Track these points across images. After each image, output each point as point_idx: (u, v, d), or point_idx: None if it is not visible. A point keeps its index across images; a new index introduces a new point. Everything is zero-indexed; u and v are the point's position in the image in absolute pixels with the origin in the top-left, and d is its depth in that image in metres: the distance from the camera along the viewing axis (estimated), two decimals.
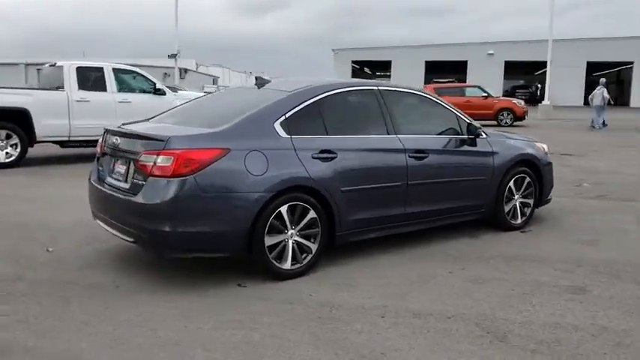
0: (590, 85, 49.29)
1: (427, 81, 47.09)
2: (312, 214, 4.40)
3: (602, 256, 5.11)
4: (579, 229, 6.11)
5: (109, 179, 4.58)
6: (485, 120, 22.84)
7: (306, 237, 4.42)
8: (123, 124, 4.93)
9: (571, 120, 27.09)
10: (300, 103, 4.57)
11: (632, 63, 46.77)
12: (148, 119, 5.19)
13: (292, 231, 4.34)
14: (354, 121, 4.99)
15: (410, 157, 5.01)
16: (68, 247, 5.19)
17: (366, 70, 62.48)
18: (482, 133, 5.64)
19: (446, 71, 47.99)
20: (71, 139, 10.96)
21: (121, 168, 4.45)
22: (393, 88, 5.36)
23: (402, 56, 49.78)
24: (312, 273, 4.49)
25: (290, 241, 4.34)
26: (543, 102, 29.57)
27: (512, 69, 49.65)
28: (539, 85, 49.03)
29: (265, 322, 3.61)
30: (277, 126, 4.39)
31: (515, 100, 24.49)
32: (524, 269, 4.71)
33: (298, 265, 4.40)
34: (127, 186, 4.29)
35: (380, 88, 5.17)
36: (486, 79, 38.12)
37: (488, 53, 48.12)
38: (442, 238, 5.55)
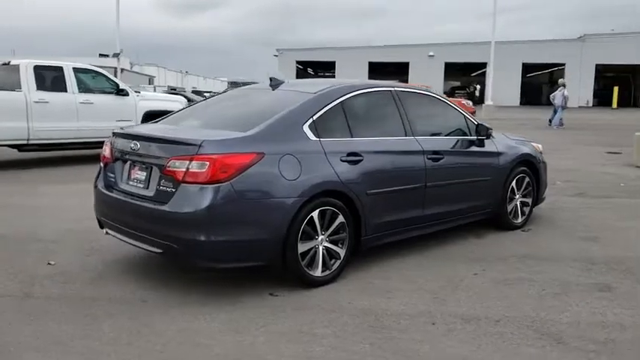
0: (525, 86, 51.47)
1: None
2: (340, 218, 4.29)
3: (607, 252, 5.24)
4: (574, 226, 6.27)
5: (123, 186, 4.31)
6: None
7: (335, 242, 4.31)
8: (124, 128, 4.67)
9: (514, 119, 28.04)
10: (326, 105, 4.46)
11: (564, 64, 48.99)
12: (155, 121, 4.92)
13: (322, 236, 4.22)
14: (375, 122, 4.91)
15: (428, 158, 4.99)
16: (69, 260, 4.84)
17: (310, 70, 62.60)
18: (493, 134, 5.69)
19: (388, 72, 48.72)
20: (30, 142, 10.33)
21: (139, 174, 4.19)
22: (407, 89, 5.33)
23: (346, 57, 50.18)
24: (338, 279, 4.38)
25: (320, 247, 4.22)
26: (486, 102, 30.50)
27: (452, 70, 51.01)
28: (477, 86, 50.64)
29: (318, 333, 3.47)
30: (306, 129, 4.26)
31: (464, 101, 25.18)
32: (542, 268, 4.76)
33: (328, 272, 4.28)
34: (150, 193, 4.04)
35: (396, 88, 5.13)
36: (427, 80, 38.93)
37: (429, 55, 49.24)
38: (451, 239, 5.55)
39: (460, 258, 5.05)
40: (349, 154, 4.39)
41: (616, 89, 45.48)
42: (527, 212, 6.21)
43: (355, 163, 4.40)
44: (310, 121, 4.30)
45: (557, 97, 22.33)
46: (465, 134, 5.54)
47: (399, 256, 4.99)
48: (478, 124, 5.61)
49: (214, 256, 3.86)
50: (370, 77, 49.13)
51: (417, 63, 49.05)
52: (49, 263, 4.75)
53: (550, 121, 22.70)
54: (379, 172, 4.59)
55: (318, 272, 4.21)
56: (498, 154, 5.76)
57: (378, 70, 49.80)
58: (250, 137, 3.98)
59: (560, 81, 23.43)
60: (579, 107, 46.30)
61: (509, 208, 5.96)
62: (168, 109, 11.95)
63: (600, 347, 3.33)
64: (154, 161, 4.05)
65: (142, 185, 4.15)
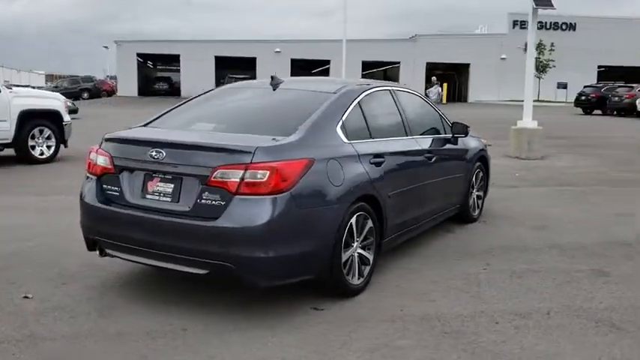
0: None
1: (218, 77, 46.92)
2: (369, 222, 4.16)
3: (568, 239, 5.72)
4: (516, 216, 6.74)
5: (137, 201, 3.74)
6: None
7: (364, 248, 4.18)
8: (130, 133, 4.10)
9: None
10: (350, 105, 4.28)
11: (399, 62, 52.51)
12: (147, 124, 4.34)
13: (357, 243, 4.06)
14: (384, 122, 4.82)
15: (425, 157, 5.04)
16: (46, 290, 4.10)
17: (149, 63, 59.73)
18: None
19: (235, 67, 48.27)
20: None
21: (163, 186, 3.67)
22: (401, 89, 5.33)
23: (192, 50, 48.67)
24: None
25: (355, 254, 4.06)
26: None
27: (298, 66, 52.00)
28: None
29: (402, 345, 3.34)
30: (339, 131, 4.06)
31: None
32: (532, 258, 5.06)
33: (362, 279, 4.14)
34: (184, 208, 3.56)
35: (393, 88, 5.10)
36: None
37: (276, 51, 49.63)
38: (425, 236, 5.57)
39: (453, 254, 5.16)
40: (375, 156, 4.27)
41: (445, 86, 49.84)
42: (480, 205, 6.56)
43: (379, 165, 4.29)
44: (340, 122, 4.10)
45: (432, 93, 24.42)
46: (444, 132, 5.69)
47: (394, 258, 4.94)
48: (453, 122, 5.78)
49: (273, 273, 3.52)
50: (218, 72, 48.34)
51: (264, 58, 49.17)
52: (25, 296, 3.98)
53: None
54: (396, 173, 4.54)
55: (355, 280, 4.05)
56: (466, 150, 6.01)
57: (225, 64, 49.08)
58: (298, 142, 3.69)
59: (433, 79, 25.49)
60: None
61: (470, 202, 6.25)
62: (49, 108, 10.70)
63: None
64: (190, 171, 3.58)
65: (168, 199, 3.64)
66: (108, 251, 3.90)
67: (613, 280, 4.52)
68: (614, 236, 5.87)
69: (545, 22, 53.98)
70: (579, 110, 34.41)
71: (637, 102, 29.45)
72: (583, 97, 34.28)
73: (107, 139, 4.00)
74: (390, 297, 4.08)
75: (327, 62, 50.59)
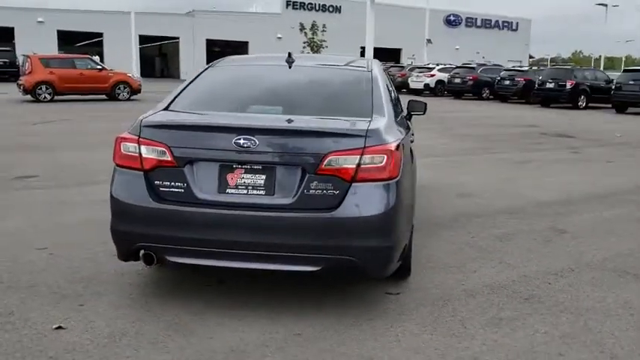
0: (143, 58, 51.38)
1: None
2: None
3: (503, 205, 6.43)
4: (439, 187, 7.31)
5: (213, 197, 3.21)
6: (101, 94, 21.74)
7: None
8: (201, 117, 3.52)
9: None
10: (386, 83, 4.18)
11: (178, 38, 50.85)
12: (166, 109, 3.69)
13: None
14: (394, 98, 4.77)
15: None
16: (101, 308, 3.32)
17: None
18: None
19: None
20: None
21: (253, 178, 3.21)
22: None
23: None
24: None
25: None
26: (133, 73, 29.48)
27: (64, 39, 46.96)
28: (96, 57, 48.04)
29: (509, 316, 3.49)
30: (391, 110, 3.95)
31: (129, 74, 23.88)
32: (499, 222, 5.60)
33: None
34: (285, 200, 3.17)
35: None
36: (39, 49, 34.96)
37: (38, 21, 44.08)
38: None
39: (431, 227, 5.44)
40: (410, 134, 4.28)
41: None
42: None
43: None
44: (390, 101, 4.01)
45: None
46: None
47: None
48: (410, 100, 5.96)
49: (392, 262, 3.34)
50: None
51: (24, 29, 43.29)
52: (59, 327, 3.18)
53: None
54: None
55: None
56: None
57: None
58: (389, 124, 3.52)
59: None
60: None
61: None
62: None
63: None
64: (288, 160, 3.19)
65: (260, 192, 3.20)
66: (169, 258, 3.29)
67: (573, 236, 5.23)
68: (525, 199, 6.72)
69: (315, 4, 57.28)
70: None
71: (409, 80, 33.16)
72: None
73: (152, 126, 3.34)
74: (437, 274, 4.17)
75: (100, 35, 46.74)
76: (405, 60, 54.90)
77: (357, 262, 3.18)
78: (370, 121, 3.40)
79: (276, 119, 3.45)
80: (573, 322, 3.41)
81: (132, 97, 22.41)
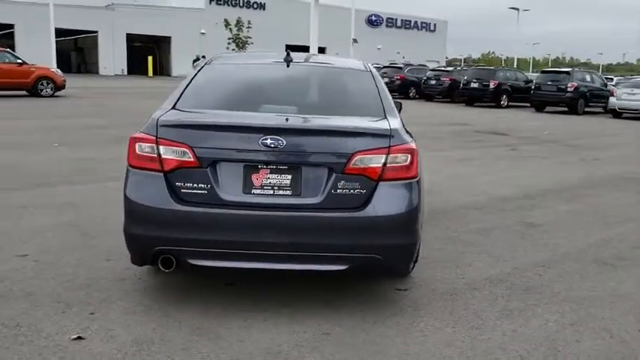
0: (58, 52, 48.94)
1: None
2: None
3: (460, 200, 6.70)
4: None
5: (242, 197, 3.17)
6: (21, 90, 20.52)
7: None
8: (228, 118, 3.41)
9: (115, 87, 26.96)
10: (383, 83, 4.25)
11: (96, 32, 48.83)
12: (174, 108, 3.57)
13: None
14: None
15: None
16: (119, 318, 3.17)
17: None
18: None
19: None
20: None
21: (278, 178, 3.18)
22: None
23: None
24: None
25: None
26: (53, 67, 28.01)
27: None
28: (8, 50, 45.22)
29: (517, 307, 3.66)
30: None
31: (53, 69, 22.65)
32: (470, 219, 5.83)
33: None
34: (312, 200, 3.17)
35: None
36: None
37: None
38: None
39: None
40: None
41: (150, 58, 48.39)
42: None
43: None
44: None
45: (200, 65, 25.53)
46: None
47: None
48: None
49: (413, 259, 3.42)
50: None
51: None
52: (78, 337, 3.02)
53: None
54: None
55: None
56: None
57: None
58: (402, 124, 3.60)
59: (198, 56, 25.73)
60: (116, 75, 47.35)
61: None
62: None
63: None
64: (315, 159, 3.18)
65: (286, 192, 3.18)
66: (192, 261, 3.20)
67: (544, 229, 5.54)
68: (487, 195, 7.03)
69: (239, 0, 56.70)
70: None
71: None
72: None
73: (171, 125, 3.23)
74: (436, 269, 4.29)
75: (11, 27, 44.07)
76: None
77: (382, 260, 3.24)
78: (388, 121, 3.45)
79: (303, 119, 3.43)
80: (576, 310, 3.62)
81: (56, 94, 21.32)
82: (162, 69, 54.54)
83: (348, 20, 46.34)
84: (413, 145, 3.31)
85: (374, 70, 4.25)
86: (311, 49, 21.09)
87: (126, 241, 3.33)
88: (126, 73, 50.37)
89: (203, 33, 53.84)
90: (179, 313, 3.36)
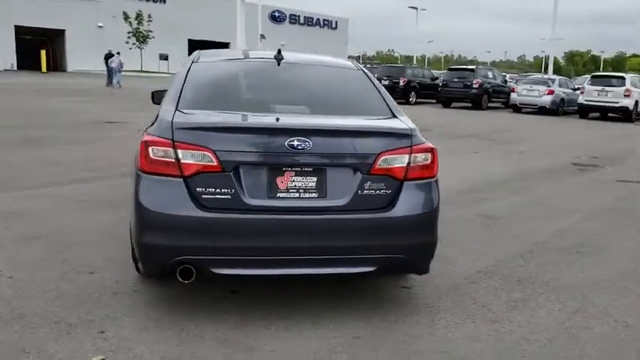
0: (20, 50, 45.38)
1: None
2: None
3: None
4: None
5: (267, 201, 3.05)
6: None
7: None
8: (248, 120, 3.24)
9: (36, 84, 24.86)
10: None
11: (64, 30, 45.57)
12: (183, 111, 3.35)
13: None
14: None
15: None
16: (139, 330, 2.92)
17: None
18: None
19: None
20: None
21: (304, 181, 3.09)
22: None
23: None
24: None
25: None
26: None
27: None
28: None
29: (519, 298, 3.81)
30: None
31: None
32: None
33: None
34: (338, 202, 3.11)
35: None
36: None
37: None
38: None
39: None
40: None
41: (44, 52, 45.33)
42: None
43: None
44: None
45: (115, 61, 27.92)
46: None
47: None
48: None
49: (432, 257, 3.43)
50: None
51: None
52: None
53: (108, 82, 28.35)
54: None
55: None
56: None
57: None
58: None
59: (111, 51, 29.12)
60: (5, 71, 43.96)
61: None
62: None
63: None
64: (341, 160, 3.13)
65: (312, 194, 3.10)
66: (215, 271, 3.04)
67: (506, 221, 5.81)
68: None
69: None
70: None
71: None
72: None
73: (189, 128, 3.04)
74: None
75: None
76: None
77: (407, 259, 3.25)
78: (403, 121, 3.47)
79: (326, 120, 3.35)
80: (573, 297, 3.83)
81: None
82: (57, 64, 51.32)
83: (252, 15, 45.99)
84: (431, 145, 3.34)
85: (365, 69, 4.24)
86: (238, 45, 20.85)
87: (139, 252, 3.10)
88: (16, 68, 46.94)
89: (101, 26, 51.34)
90: (195, 326, 3.18)
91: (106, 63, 29.17)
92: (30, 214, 5.25)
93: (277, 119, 3.20)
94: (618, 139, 15.08)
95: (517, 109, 23.91)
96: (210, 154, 2.99)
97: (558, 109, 22.96)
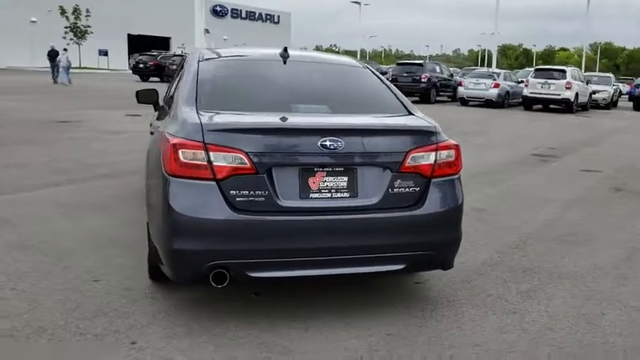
0: None
1: None
2: None
3: None
4: None
5: (299, 202, 3.02)
6: None
7: None
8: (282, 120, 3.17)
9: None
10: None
11: None
12: (209, 112, 3.25)
13: None
14: None
15: None
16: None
17: None
18: None
19: None
20: None
21: (335, 181, 3.08)
22: None
23: None
24: None
25: None
26: None
27: None
28: None
29: (551, 292, 3.94)
30: None
31: None
32: None
33: None
34: (368, 201, 3.11)
35: None
36: None
37: None
38: None
39: None
40: None
41: None
42: None
43: None
44: None
45: (62, 60, 27.74)
46: None
47: None
48: None
49: (456, 252, 3.48)
50: None
51: None
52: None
53: (55, 80, 27.89)
54: None
55: None
56: None
57: None
58: None
59: (58, 48, 29.23)
60: None
61: None
62: None
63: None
64: (372, 159, 3.13)
65: (344, 194, 3.09)
66: (250, 274, 2.99)
67: (493, 212, 5.98)
68: None
69: None
70: (137, 77, 35.68)
71: None
72: (141, 65, 35.73)
73: (221, 130, 2.97)
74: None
75: None
76: (174, 49, 53.54)
77: (435, 255, 3.29)
78: (423, 118, 3.52)
79: (356, 119, 3.34)
80: (579, 285, 3.99)
81: None
82: None
83: (192, 9, 45.22)
84: (455, 142, 3.39)
85: (369, 66, 4.26)
86: (197, 44, 20.48)
87: (169, 258, 3.01)
88: None
89: (34, 21, 49.22)
90: (226, 330, 3.12)
91: (50, 59, 28.28)
92: (15, 221, 4.99)
93: (307, 120, 3.18)
94: (567, 130, 15.74)
95: (464, 102, 24.52)
96: (243, 156, 2.93)
97: (504, 101, 23.73)
